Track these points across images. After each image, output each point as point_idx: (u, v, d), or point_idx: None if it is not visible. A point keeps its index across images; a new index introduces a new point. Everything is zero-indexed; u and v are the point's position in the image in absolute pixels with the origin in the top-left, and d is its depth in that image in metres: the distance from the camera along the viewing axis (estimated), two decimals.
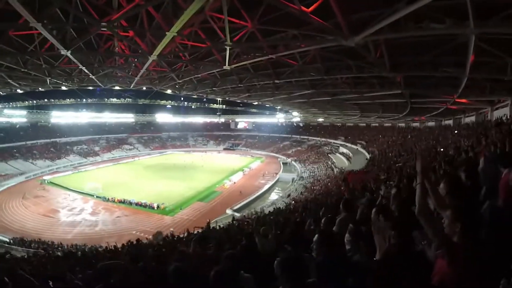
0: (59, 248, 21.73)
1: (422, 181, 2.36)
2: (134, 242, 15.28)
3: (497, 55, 12.09)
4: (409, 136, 41.41)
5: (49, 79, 24.02)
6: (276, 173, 55.30)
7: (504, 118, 19.70)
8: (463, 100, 22.14)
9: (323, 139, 75.39)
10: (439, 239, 2.07)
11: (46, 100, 68.51)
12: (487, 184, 3.32)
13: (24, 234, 27.59)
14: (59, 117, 76.79)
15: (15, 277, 4.09)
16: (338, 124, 76.35)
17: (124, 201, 37.64)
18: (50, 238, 25.96)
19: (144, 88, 35.64)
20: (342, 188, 17.72)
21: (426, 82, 18.63)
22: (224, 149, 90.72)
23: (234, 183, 48.58)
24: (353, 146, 58.19)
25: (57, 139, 73.37)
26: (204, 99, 77.25)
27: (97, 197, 39.92)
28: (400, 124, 53.73)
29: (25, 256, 16.59)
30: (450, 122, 34.60)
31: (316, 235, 2.87)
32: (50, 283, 4.33)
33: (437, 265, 2.03)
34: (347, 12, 10.14)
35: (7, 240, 26.52)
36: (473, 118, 28.44)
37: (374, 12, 9.82)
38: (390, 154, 31.24)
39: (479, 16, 8.40)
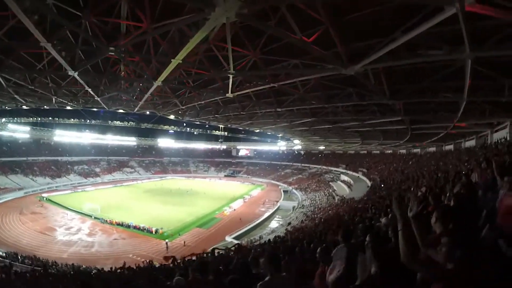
0: (53, 267, 21.20)
1: (403, 227, 2.25)
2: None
3: (494, 77, 12.26)
4: (410, 163, 41.28)
5: (55, 98, 24.38)
6: (277, 201, 54.55)
7: (503, 140, 19.88)
8: (463, 124, 22.17)
9: (324, 167, 75.25)
10: (434, 273, 2.01)
11: (50, 118, 68.76)
12: (487, 207, 3.32)
13: (19, 250, 26.96)
14: (62, 135, 77.24)
15: None
16: (340, 152, 76.43)
17: (122, 223, 37.04)
18: (44, 256, 25.36)
19: (148, 112, 36.08)
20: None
21: (425, 108, 18.76)
22: (225, 176, 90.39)
23: (234, 210, 47.94)
24: (354, 173, 57.85)
25: (59, 158, 73.81)
26: (206, 126, 77.92)
27: (95, 218, 39.52)
28: (401, 151, 53.73)
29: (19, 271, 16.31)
30: (451, 147, 34.57)
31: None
32: None
33: None
34: (347, 41, 10.45)
35: (1, 254, 25.80)
36: (473, 142, 28.39)
37: (372, 41, 10.11)
38: (391, 182, 30.92)
39: (474, 41, 8.53)
